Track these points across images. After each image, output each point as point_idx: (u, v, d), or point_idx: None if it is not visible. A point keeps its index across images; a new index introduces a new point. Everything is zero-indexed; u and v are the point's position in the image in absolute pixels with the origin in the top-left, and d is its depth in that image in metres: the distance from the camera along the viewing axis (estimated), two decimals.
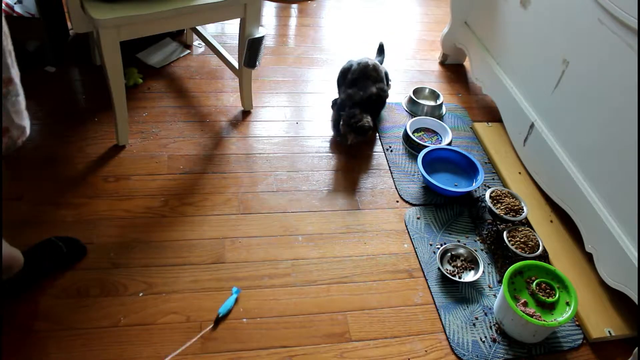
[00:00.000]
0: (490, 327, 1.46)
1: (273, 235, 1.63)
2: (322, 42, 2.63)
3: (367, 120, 1.89)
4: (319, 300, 1.47)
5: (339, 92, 2.10)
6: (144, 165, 1.79)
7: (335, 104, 2.17)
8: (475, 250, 1.64)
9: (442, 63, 2.58)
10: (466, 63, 2.58)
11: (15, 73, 0.96)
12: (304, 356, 1.35)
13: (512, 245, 1.63)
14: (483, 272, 1.59)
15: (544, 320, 1.37)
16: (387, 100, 2.27)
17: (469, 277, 1.58)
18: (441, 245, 1.65)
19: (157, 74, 2.21)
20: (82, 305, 1.37)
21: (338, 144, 2.01)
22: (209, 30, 2.54)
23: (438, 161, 1.94)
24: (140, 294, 1.42)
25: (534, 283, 1.43)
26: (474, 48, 2.28)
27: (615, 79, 1.47)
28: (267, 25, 2.72)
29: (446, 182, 1.87)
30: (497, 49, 2.12)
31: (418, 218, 1.75)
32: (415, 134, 2.06)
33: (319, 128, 2.08)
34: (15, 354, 1.26)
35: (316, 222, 1.70)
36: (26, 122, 1.02)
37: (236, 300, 1.43)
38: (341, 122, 1.93)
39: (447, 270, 1.59)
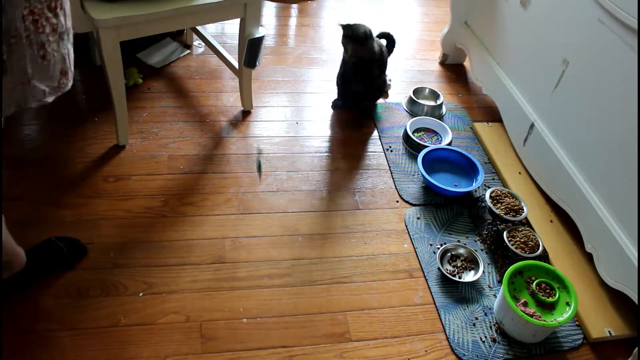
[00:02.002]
0: (490, 327, 1.46)
1: (273, 235, 1.63)
2: (322, 42, 2.62)
3: (365, 28, 1.90)
4: (319, 300, 1.47)
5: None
6: (144, 165, 1.79)
7: (335, 105, 2.18)
8: (475, 250, 1.64)
9: (442, 63, 2.58)
10: (466, 63, 2.57)
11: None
12: (304, 356, 1.34)
13: (512, 245, 1.63)
14: (483, 272, 1.59)
15: (544, 320, 1.37)
16: (387, 100, 2.29)
17: (469, 277, 1.58)
18: (441, 245, 1.65)
19: (157, 74, 2.21)
20: (82, 305, 1.37)
21: (338, 145, 2.01)
22: (209, 30, 2.54)
23: (438, 161, 1.94)
24: (140, 294, 1.42)
25: (534, 283, 1.43)
26: (474, 48, 2.28)
27: (615, 79, 1.46)
28: (267, 25, 2.72)
29: (446, 182, 1.86)
30: (497, 49, 2.12)
31: (418, 218, 1.75)
32: (415, 134, 2.06)
33: (319, 128, 2.08)
34: (15, 354, 1.26)
35: (316, 222, 1.70)
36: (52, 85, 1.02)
37: None
38: (341, 38, 1.94)
39: (447, 270, 1.59)
